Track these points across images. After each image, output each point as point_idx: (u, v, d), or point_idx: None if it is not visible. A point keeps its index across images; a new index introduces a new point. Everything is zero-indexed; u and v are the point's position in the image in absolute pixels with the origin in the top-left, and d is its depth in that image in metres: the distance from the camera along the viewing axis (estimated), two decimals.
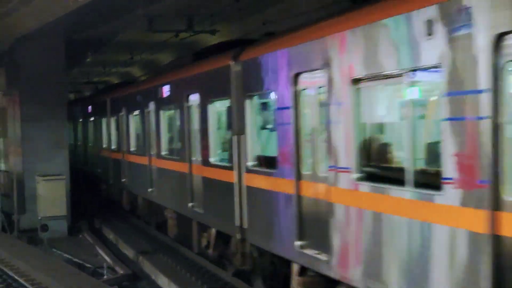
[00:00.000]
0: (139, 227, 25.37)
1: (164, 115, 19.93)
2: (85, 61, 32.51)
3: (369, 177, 9.36)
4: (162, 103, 19.67)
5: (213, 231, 15.94)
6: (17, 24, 23.53)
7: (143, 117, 22.00)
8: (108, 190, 30.19)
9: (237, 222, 13.80)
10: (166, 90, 19.14)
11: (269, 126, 13.02)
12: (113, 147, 27.96)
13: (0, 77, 28.98)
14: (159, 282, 17.69)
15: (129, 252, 21.60)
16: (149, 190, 21.48)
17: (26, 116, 25.52)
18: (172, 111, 18.88)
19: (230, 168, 14.08)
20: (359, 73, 9.31)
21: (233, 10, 19.38)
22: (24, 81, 25.54)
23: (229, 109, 14.16)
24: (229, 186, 14.20)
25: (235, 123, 13.77)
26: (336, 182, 9.87)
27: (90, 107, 33.58)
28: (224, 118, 15.17)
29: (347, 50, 9.59)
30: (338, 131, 9.84)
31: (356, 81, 9.41)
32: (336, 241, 10.02)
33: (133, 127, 24.21)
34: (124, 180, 25.78)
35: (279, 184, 11.86)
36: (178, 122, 18.19)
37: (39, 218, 23.60)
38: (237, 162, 13.70)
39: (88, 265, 19.63)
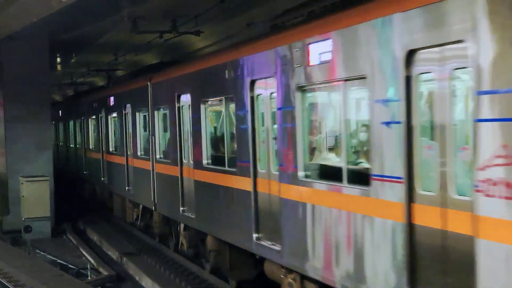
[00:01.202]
0: (123, 229, 25.32)
1: (310, 102, 11.09)
2: (70, 61, 32.40)
3: None
4: (291, 80, 10.92)
5: None
6: (0, 25, 23.46)
7: (235, 107, 13.43)
8: (144, 220, 22.34)
9: None
10: (316, 52, 10.16)
11: None
12: (158, 156, 19.27)
13: None
14: (143, 283, 17.67)
15: (113, 253, 21.57)
16: (256, 236, 12.82)
17: (10, 117, 25.46)
18: (316, 93, 10.89)
19: None
20: None
21: (218, 11, 19.37)
22: (8, 81, 25.47)
23: None
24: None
25: None
26: None
27: (112, 99, 25.00)
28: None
29: None
30: None
31: None
32: None
33: (208, 123, 15.54)
34: (183, 209, 17.20)
35: None
36: (331, 112, 10.60)
37: (23, 219, 23.56)
38: None
39: (72, 266, 19.58)
